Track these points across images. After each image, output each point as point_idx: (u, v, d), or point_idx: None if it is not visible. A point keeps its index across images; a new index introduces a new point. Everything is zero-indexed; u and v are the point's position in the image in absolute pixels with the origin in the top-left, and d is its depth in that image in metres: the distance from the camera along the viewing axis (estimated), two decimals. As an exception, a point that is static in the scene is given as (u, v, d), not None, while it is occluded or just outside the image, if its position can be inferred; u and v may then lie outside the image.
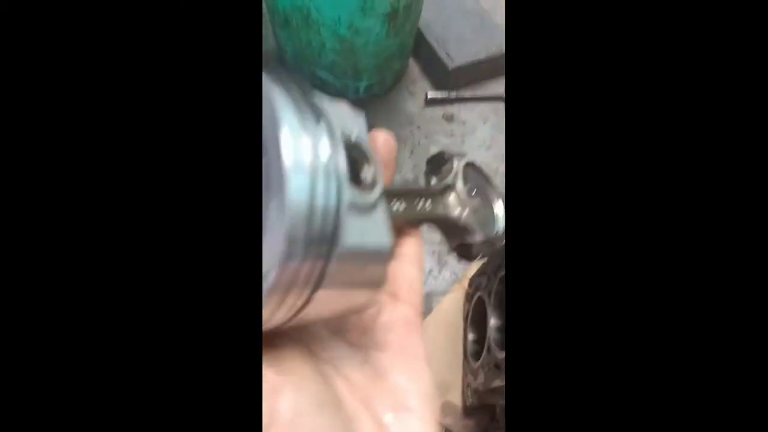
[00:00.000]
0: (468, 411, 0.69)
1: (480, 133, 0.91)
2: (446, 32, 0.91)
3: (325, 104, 0.16)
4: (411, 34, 0.85)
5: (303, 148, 0.14)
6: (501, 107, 0.94)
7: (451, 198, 0.26)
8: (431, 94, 0.91)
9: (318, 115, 0.15)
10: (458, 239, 0.27)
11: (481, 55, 0.90)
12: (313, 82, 0.84)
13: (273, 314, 0.15)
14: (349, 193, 0.15)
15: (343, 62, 0.80)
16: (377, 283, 0.17)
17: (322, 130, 0.15)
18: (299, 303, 0.15)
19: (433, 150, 0.89)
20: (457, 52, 0.89)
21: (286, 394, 0.17)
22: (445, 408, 0.69)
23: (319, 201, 0.14)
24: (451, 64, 0.88)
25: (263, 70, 0.17)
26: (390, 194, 0.21)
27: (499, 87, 0.95)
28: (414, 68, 0.97)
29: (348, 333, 0.21)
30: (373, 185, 0.16)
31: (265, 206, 0.15)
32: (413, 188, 0.23)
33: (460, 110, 0.93)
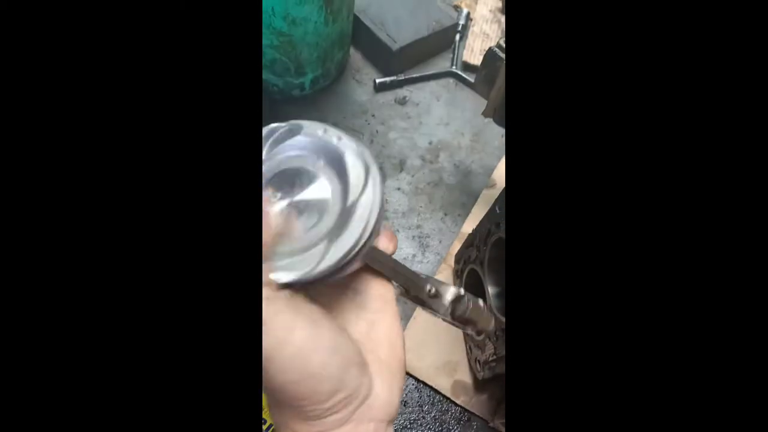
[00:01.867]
0: (480, 385, 0.67)
1: (436, 112, 0.90)
2: (383, 15, 0.89)
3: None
4: (349, 21, 0.82)
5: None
6: (451, 83, 0.94)
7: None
8: (380, 80, 0.89)
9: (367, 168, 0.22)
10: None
11: (423, 32, 0.89)
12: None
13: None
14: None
15: (283, 58, 0.76)
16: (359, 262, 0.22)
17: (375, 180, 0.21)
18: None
19: (392, 136, 0.87)
20: (399, 33, 0.87)
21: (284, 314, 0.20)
22: (456, 388, 0.67)
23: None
24: (395, 46, 0.86)
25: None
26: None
27: (445, 62, 0.95)
28: (356, 56, 0.94)
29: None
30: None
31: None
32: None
33: (412, 92, 0.91)
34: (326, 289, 0.25)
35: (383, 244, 0.23)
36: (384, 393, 0.23)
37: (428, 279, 0.24)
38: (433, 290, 0.23)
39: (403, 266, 0.24)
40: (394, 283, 0.25)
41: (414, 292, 0.24)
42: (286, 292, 0.20)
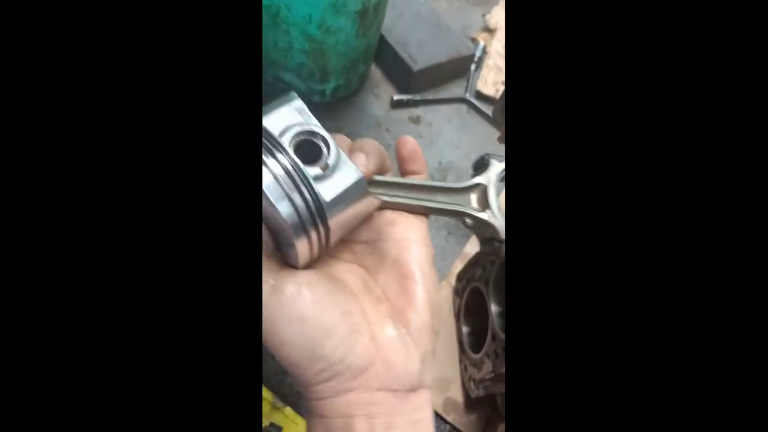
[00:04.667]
0: (470, 405, 0.67)
1: (447, 134, 0.93)
2: (407, 37, 0.93)
3: (268, 118, 0.22)
4: (376, 37, 0.85)
5: (267, 177, 0.21)
6: (463, 108, 0.97)
7: (474, 196, 0.30)
8: (397, 97, 0.92)
9: (268, 138, 0.22)
10: (482, 234, 0.30)
11: (442, 58, 0.93)
12: (277, 85, 0.81)
13: (311, 251, 0.23)
14: (310, 171, 0.21)
15: (311, 64, 0.77)
16: (365, 193, 0.23)
17: (273, 149, 0.21)
18: (323, 235, 0.22)
19: (403, 152, 0.89)
20: (420, 55, 0.91)
21: (295, 279, 0.22)
22: (447, 405, 0.68)
23: (296, 195, 0.21)
24: (415, 67, 0.89)
25: None
26: (407, 187, 0.27)
27: (458, 89, 0.99)
28: (376, 72, 0.97)
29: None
30: (327, 156, 0.22)
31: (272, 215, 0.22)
32: (432, 184, 0.28)
33: (426, 112, 0.95)
34: (359, 247, 0.26)
35: (358, 161, 0.23)
36: (399, 360, 0.23)
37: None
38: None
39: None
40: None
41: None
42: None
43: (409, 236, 0.25)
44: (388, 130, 0.91)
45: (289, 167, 0.21)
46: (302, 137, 0.22)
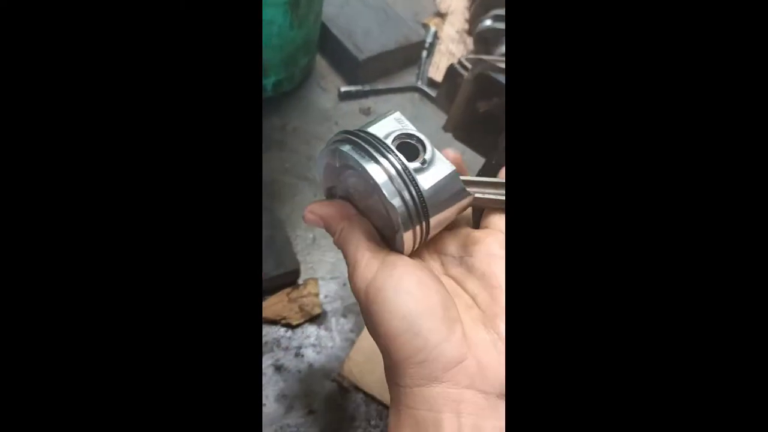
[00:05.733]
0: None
1: (399, 124, 0.91)
2: (352, 25, 0.90)
3: (373, 127, 0.26)
4: (315, 27, 0.82)
5: (377, 167, 0.24)
6: (415, 97, 0.95)
7: None
8: (344, 89, 0.89)
9: (375, 141, 0.25)
10: None
11: (390, 45, 0.90)
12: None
13: (414, 242, 0.25)
14: (411, 165, 0.25)
15: (246, 58, 0.74)
16: (460, 191, 0.26)
17: (380, 150, 0.24)
18: (424, 229, 0.25)
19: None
20: (366, 44, 0.88)
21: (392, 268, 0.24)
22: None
23: (401, 185, 0.24)
24: (361, 56, 0.86)
25: None
26: (494, 185, 0.29)
27: (410, 77, 0.96)
28: (322, 64, 0.94)
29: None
30: (424, 153, 0.25)
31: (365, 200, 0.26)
32: (493, 180, 0.30)
33: (376, 103, 0.92)
34: (447, 258, 0.28)
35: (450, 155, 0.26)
36: (491, 361, 0.23)
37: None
38: None
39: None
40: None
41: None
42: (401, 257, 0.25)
43: (496, 252, 0.26)
44: (337, 123, 0.88)
45: (399, 167, 0.24)
46: (402, 139, 0.26)
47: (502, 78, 0.52)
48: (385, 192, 0.23)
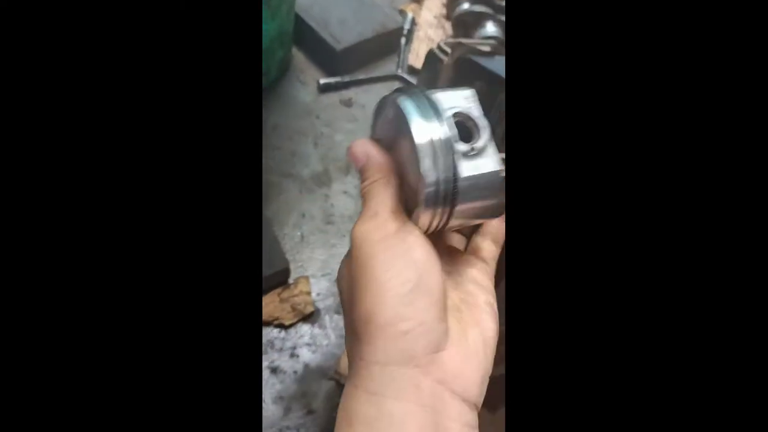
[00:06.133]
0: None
1: (381, 114, 0.89)
2: (327, 15, 0.88)
3: (440, 94, 0.24)
4: (289, 18, 0.80)
5: (424, 131, 0.23)
6: (396, 86, 0.93)
7: None
8: (324, 81, 0.87)
9: (433, 107, 0.23)
10: None
11: (368, 34, 0.88)
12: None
13: (429, 224, 0.24)
14: (459, 146, 0.23)
15: (220, 55, 0.72)
16: (496, 196, 0.24)
17: (435, 117, 0.23)
18: (445, 217, 0.24)
19: (339, 139, 0.85)
20: (342, 34, 0.86)
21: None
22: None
23: (440, 162, 0.22)
24: (338, 46, 0.84)
25: None
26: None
27: (390, 66, 0.94)
28: (299, 57, 0.92)
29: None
30: (477, 140, 0.24)
31: (408, 165, 0.24)
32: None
33: (357, 94, 0.90)
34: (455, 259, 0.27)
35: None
36: (459, 363, 0.22)
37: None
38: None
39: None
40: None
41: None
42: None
43: (481, 282, 0.26)
44: (318, 117, 0.86)
45: (444, 141, 0.22)
46: (461, 118, 0.24)
47: (483, 61, 0.51)
48: (421, 157, 0.22)
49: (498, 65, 0.49)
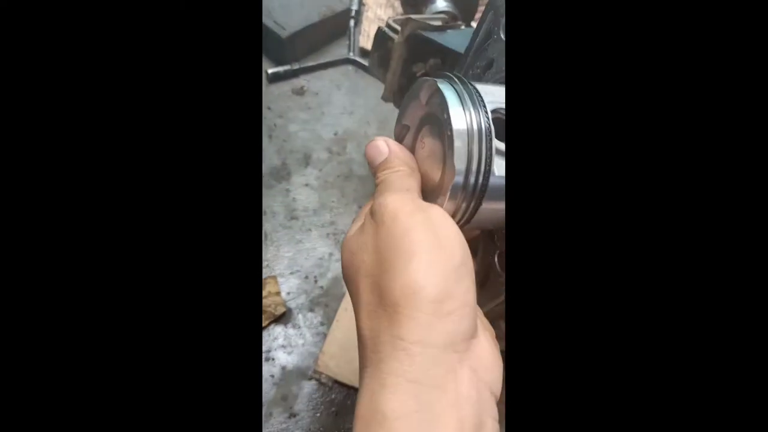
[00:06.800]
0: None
1: (338, 101, 0.86)
2: (269, 1, 0.83)
3: (481, 86, 0.23)
4: (229, 6, 0.75)
5: (462, 119, 0.22)
6: (351, 70, 0.90)
7: None
8: (272, 70, 0.83)
9: (474, 97, 0.23)
10: None
11: (314, 18, 0.84)
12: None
13: (454, 214, 0.23)
14: (496, 144, 0.22)
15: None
16: None
17: (474, 107, 0.22)
18: (467, 213, 0.23)
19: (293, 129, 0.81)
20: (287, 20, 0.82)
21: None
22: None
23: (474, 152, 0.22)
24: (284, 33, 0.80)
25: None
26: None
27: (342, 49, 0.91)
28: (245, 47, 0.87)
29: None
30: None
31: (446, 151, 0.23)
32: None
33: (309, 81, 0.86)
34: None
35: None
36: (488, 354, 0.21)
37: None
38: None
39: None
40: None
41: None
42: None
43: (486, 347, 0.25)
44: (270, 108, 0.82)
45: (483, 127, 0.22)
46: (500, 114, 0.23)
47: (435, 36, 0.49)
48: (456, 142, 0.21)
49: (451, 39, 0.47)
